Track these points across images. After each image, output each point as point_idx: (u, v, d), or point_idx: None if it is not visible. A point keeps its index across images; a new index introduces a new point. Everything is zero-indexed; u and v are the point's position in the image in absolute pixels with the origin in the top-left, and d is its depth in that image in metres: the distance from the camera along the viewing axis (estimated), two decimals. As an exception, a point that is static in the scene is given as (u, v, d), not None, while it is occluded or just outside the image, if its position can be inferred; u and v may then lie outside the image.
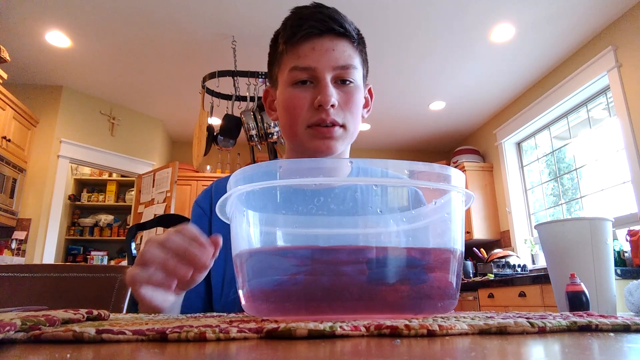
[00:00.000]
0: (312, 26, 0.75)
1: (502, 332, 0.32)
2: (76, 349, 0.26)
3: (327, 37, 0.76)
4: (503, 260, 3.95)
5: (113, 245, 5.36)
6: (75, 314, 0.40)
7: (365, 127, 5.09)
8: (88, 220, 5.34)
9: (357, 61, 0.78)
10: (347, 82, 0.77)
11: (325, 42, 0.75)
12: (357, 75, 0.78)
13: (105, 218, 5.38)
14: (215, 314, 0.68)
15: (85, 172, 5.50)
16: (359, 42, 0.80)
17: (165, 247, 0.52)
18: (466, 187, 0.47)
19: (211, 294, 0.83)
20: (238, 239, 0.45)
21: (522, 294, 3.01)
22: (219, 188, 0.90)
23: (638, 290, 0.72)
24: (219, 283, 0.82)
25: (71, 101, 4.23)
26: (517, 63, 3.73)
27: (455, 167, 4.85)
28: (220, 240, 0.54)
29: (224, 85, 3.28)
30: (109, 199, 5.42)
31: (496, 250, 4.18)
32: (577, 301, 0.63)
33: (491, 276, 3.80)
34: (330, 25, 0.75)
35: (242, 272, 0.44)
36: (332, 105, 0.74)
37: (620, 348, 0.27)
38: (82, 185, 5.58)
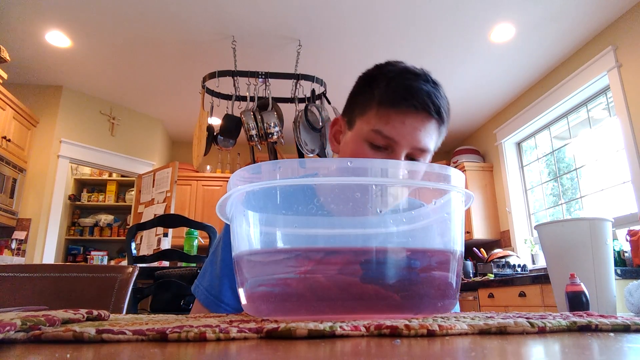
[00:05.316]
0: (414, 104, 0.73)
1: (502, 332, 0.32)
2: (76, 349, 0.26)
3: (421, 115, 0.74)
4: (503, 260, 3.94)
5: (113, 245, 5.36)
6: (75, 314, 0.40)
7: (365, 127, 5.09)
8: (88, 220, 5.34)
9: (433, 145, 0.78)
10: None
11: (417, 121, 0.74)
12: (427, 158, 0.78)
13: (105, 218, 5.38)
14: (215, 313, 0.68)
15: (85, 172, 5.50)
16: (445, 124, 0.79)
17: None
18: (466, 187, 0.47)
19: None
20: (238, 239, 0.45)
21: (522, 294, 3.01)
22: None
23: (638, 290, 0.72)
24: None
25: (71, 101, 4.23)
26: (517, 63, 3.73)
27: (455, 167, 4.85)
28: None
29: (224, 85, 3.28)
30: (109, 199, 5.42)
31: (496, 250, 4.18)
32: (577, 301, 0.63)
33: (491, 276, 3.80)
34: (430, 108, 0.73)
35: (242, 272, 0.44)
36: None
37: (620, 348, 0.27)
38: (82, 185, 5.58)
